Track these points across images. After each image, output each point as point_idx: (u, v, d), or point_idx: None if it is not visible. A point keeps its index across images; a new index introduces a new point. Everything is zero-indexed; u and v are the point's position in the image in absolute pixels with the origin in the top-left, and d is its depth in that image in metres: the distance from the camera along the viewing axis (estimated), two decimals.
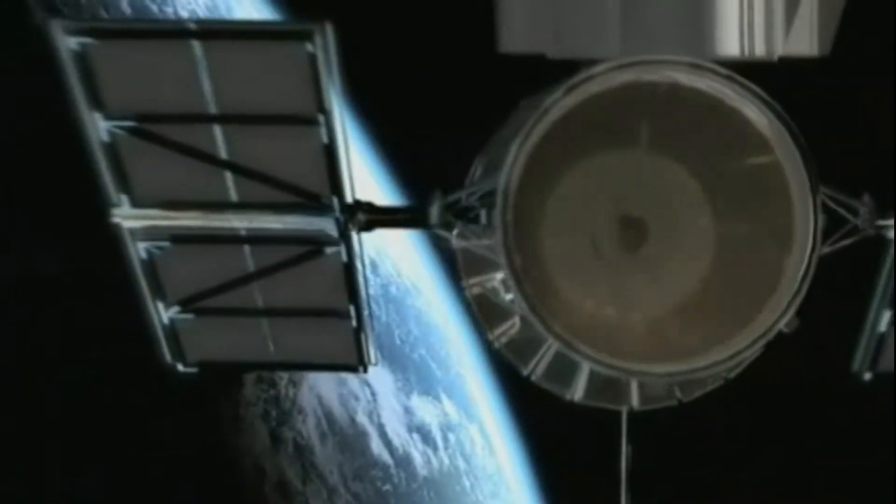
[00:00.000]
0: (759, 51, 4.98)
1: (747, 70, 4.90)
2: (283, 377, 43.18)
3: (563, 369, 5.57)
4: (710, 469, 21.24)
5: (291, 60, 5.00)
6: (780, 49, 5.01)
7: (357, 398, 24.62)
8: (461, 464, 30.28)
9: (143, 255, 5.63)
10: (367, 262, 5.66)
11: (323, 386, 42.56)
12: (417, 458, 28.41)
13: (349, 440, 32.72)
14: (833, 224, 4.99)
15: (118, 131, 5.24)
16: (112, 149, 5.29)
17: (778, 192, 4.90)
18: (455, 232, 5.36)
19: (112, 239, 5.69)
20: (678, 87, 4.92)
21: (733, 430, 21.33)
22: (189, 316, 6.01)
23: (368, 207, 5.51)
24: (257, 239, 5.68)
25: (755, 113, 4.80)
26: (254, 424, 37.00)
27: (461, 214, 5.27)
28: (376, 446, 27.29)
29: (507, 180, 4.70)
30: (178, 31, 5.12)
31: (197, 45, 4.96)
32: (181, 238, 5.62)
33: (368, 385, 25.78)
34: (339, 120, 5.14)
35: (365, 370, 6.05)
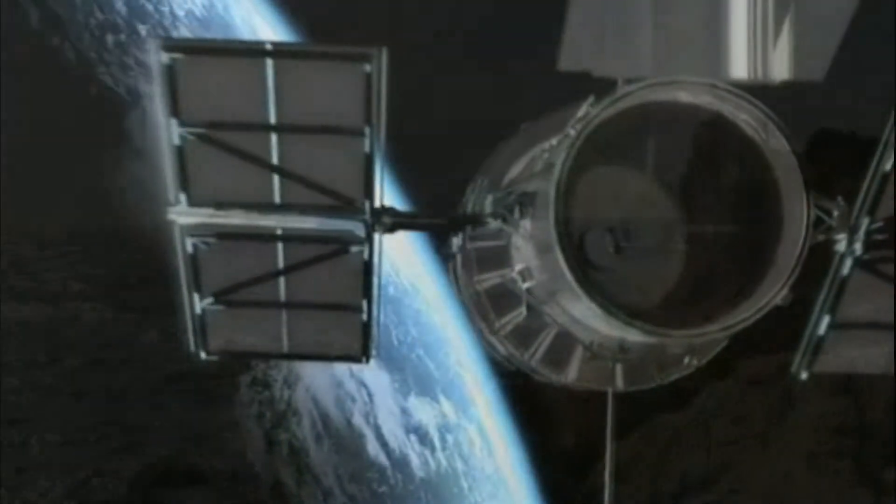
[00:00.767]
0: (761, 75, 5.62)
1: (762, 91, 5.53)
2: (278, 379, 43.14)
3: (557, 355, 6.21)
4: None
5: (349, 79, 5.67)
6: (779, 74, 5.66)
7: (353, 399, 24.28)
8: (459, 465, 30.03)
9: (190, 249, 6.14)
10: (384, 262, 6.41)
11: (319, 387, 42.36)
12: (414, 460, 28.13)
13: (345, 442, 32.58)
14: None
15: (188, 136, 5.78)
16: (180, 152, 5.85)
17: (773, 193, 5.47)
18: (470, 233, 6.19)
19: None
20: (684, 105, 5.60)
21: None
22: (219, 307, 6.52)
23: (393, 212, 6.03)
24: (290, 237, 6.23)
25: (753, 126, 5.40)
26: (249, 426, 36.89)
27: (509, 207, 5.87)
28: (373, 448, 27.03)
29: (559, 177, 5.20)
30: (255, 51, 5.81)
31: (269, 63, 5.61)
32: (225, 235, 6.16)
33: (365, 386, 25.45)
34: (381, 132, 5.70)
35: (367, 360, 6.71)
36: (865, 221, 5.58)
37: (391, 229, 6.16)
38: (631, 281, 5.94)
